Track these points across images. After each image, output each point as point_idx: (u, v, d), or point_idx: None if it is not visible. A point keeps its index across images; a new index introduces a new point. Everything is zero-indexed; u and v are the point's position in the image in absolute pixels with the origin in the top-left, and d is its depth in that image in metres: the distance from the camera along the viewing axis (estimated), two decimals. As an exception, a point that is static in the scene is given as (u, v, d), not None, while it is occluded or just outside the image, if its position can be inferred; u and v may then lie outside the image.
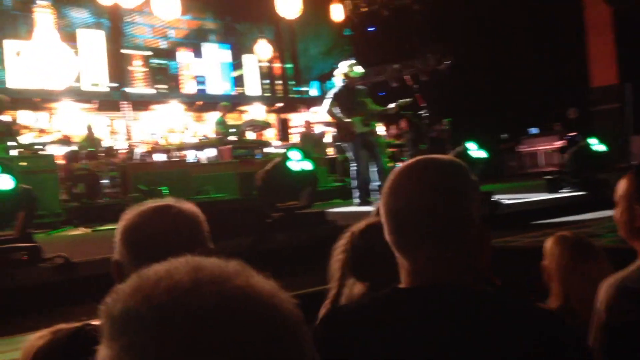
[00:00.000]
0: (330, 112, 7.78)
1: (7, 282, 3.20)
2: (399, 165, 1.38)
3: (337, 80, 8.32)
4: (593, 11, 12.72)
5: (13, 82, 11.19)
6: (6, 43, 11.40)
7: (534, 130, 13.94)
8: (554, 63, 13.26)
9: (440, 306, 1.10)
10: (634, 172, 1.76)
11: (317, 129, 13.56)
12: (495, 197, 6.36)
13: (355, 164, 7.74)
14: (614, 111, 12.19)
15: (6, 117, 8.27)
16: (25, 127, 10.95)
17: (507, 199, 6.54)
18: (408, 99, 8.31)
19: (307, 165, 5.22)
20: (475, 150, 6.32)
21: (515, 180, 12.18)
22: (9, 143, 7.84)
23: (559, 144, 12.67)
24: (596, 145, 7.35)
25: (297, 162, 5.17)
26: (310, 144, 12.00)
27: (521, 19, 13.79)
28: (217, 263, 0.61)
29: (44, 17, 10.12)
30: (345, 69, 7.90)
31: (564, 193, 6.92)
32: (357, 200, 7.74)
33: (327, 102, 7.83)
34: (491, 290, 1.20)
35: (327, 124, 14.06)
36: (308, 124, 13.09)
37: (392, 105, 8.03)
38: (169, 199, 1.56)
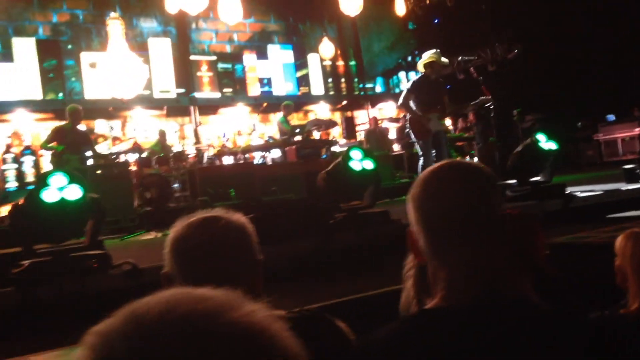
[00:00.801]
0: (406, 104, 7.41)
1: (78, 289, 3.34)
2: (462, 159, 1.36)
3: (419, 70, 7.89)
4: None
5: (89, 93, 11.72)
6: (83, 55, 11.97)
7: (611, 117, 13.29)
8: (630, 46, 12.59)
9: (482, 327, 1.02)
10: None
11: (383, 125, 13.45)
12: (570, 190, 6.11)
13: (423, 161, 7.51)
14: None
15: (82, 127, 8.67)
16: (101, 136, 11.50)
17: (582, 191, 6.26)
18: (483, 98, 8.02)
19: (369, 165, 5.17)
20: (545, 142, 6.06)
21: (592, 170, 11.65)
22: (88, 153, 8.21)
23: (638, 130, 12.02)
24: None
25: (359, 162, 5.12)
26: (376, 141, 11.93)
27: (593, 3, 13.18)
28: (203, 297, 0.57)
29: (115, 28, 10.50)
30: (432, 57, 7.47)
31: (644, 183, 6.55)
32: None
33: (404, 94, 7.47)
34: (539, 305, 1.11)
35: (392, 119, 13.95)
36: (374, 121, 13.00)
37: (469, 104, 7.82)
38: (219, 209, 1.56)
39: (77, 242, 3.81)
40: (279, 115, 11.58)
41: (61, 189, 3.50)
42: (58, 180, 3.51)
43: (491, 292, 1.07)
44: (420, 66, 7.64)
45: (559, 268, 4.17)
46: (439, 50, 7.74)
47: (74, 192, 3.48)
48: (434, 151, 7.46)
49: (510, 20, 13.87)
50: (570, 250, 3.82)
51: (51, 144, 7.70)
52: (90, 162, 8.20)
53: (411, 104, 7.37)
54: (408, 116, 7.65)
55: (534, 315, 1.05)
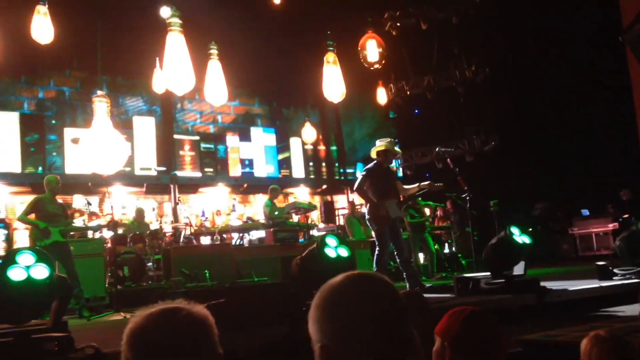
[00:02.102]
0: (361, 189, 7.32)
1: (36, 374, 3.21)
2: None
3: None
4: (642, 92, 12.55)
5: (70, 167, 11.74)
6: (66, 131, 12.07)
7: (585, 212, 13.53)
8: (605, 144, 13.02)
9: None
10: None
11: (362, 210, 13.52)
12: (544, 284, 6.12)
13: (379, 250, 7.19)
14: (669, 192, 11.76)
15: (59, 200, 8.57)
16: (78, 211, 11.38)
17: (556, 286, 6.28)
18: (429, 182, 7.95)
19: (344, 252, 5.17)
20: (518, 236, 6.14)
21: (567, 264, 11.73)
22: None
23: (612, 226, 12.23)
24: (649, 229, 7.05)
25: (334, 249, 5.12)
26: (355, 226, 11.96)
27: (571, 100, 13.73)
28: None
29: (100, 106, 10.64)
30: (384, 145, 7.54)
31: (616, 281, 6.59)
32: None
33: (359, 180, 7.41)
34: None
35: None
36: (352, 205, 13.09)
37: (414, 185, 7.75)
38: (180, 300, 1.54)
39: (40, 323, 3.70)
40: (260, 197, 11.62)
41: (28, 268, 3.43)
42: (26, 258, 3.45)
43: None
44: (373, 153, 7.69)
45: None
46: (392, 139, 7.95)
47: (41, 271, 3.41)
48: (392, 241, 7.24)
49: (487, 113, 14.35)
50: (542, 348, 3.79)
51: (30, 216, 7.55)
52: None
53: (366, 189, 7.28)
54: (367, 204, 7.46)
55: None
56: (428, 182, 7.78)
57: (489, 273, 6.41)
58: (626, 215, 11.53)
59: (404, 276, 7.26)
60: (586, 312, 5.73)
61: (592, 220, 13.08)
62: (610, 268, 6.87)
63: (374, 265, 7.28)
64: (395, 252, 7.27)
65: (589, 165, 13.08)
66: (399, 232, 7.40)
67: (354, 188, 7.52)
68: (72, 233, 8.38)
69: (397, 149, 7.83)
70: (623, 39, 10.42)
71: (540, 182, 13.38)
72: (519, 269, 6.27)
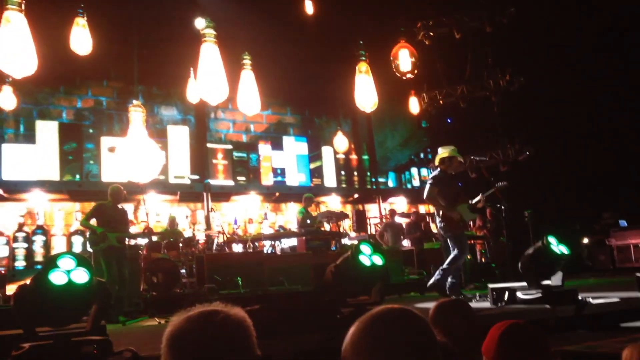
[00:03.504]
0: (432, 197, 7.27)
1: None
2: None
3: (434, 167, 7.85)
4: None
5: (106, 175, 11.96)
6: (103, 140, 12.32)
7: (623, 223, 13.23)
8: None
9: None
10: None
11: (398, 220, 13.48)
12: (582, 296, 5.99)
13: (457, 253, 7.15)
14: None
15: (121, 207, 8.71)
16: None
17: (594, 298, 6.14)
18: (499, 184, 7.95)
19: (378, 260, 5.15)
20: (556, 245, 6.02)
21: (605, 275, 11.46)
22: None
23: (651, 237, 11.95)
24: (691, 240, 6.85)
25: (368, 257, 5.10)
26: (393, 235, 11.95)
27: (606, 109, 13.49)
28: None
29: (136, 115, 10.83)
30: (448, 152, 7.52)
31: (658, 292, 6.41)
32: (432, 281, 7.28)
33: (429, 188, 7.35)
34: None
35: (403, 214, 13.99)
36: (392, 213, 13.08)
37: (478, 198, 7.75)
38: (217, 303, 1.55)
39: (79, 327, 3.76)
40: (292, 206, 11.65)
41: (69, 272, 3.50)
42: (67, 262, 3.52)
43: None
44: (437, 161, 7.63)
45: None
46: (455, 148, 7.79)
47: (82, 276, 3.48)
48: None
49: (521, 122, 14.16)
50: (581, 359, 3.70)
51: (91, 221, 7.87)
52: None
53: (437, 197, 7.25)
54: (440, 211, 7.37)
55: None
56: (495, 187, 7.75)
57: (524, 283, 6.30)
58: (666, 227, 11.25)
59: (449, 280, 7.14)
60: (626, 324, 5.59)
61: (630, 232, 12.78)
62: (651, 280, 6.68)
63: (447, 264, 7.18)
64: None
65: (627, 175, 12.79)
66: (465, 235, 7.46)
67: (425, 197, 7.45)
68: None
69: (459, 157, 7.71)
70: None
71: (576, 192, 13.13)
72: (556, 280, 6.15)
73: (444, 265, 7.17)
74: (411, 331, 1.29)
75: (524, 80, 14.06)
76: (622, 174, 12.90)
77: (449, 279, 7.15)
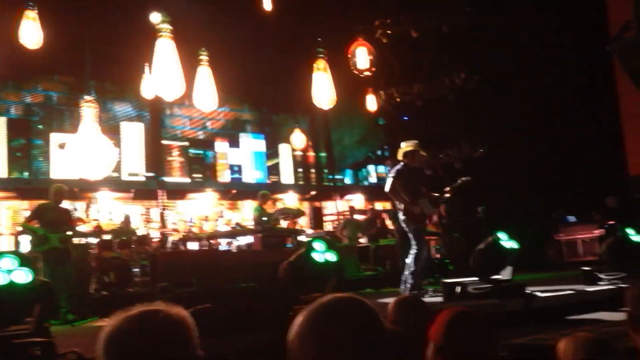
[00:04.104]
0: (394, 190, 7.25)
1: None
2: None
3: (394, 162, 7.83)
4: (628, 99, 12.67)
5: (56, 173, 11.66)
6: (53, 136, 12.00)
7: (571, 218, 13.61)
8: (591, 151, 13.12)
9: None
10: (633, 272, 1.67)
11: (356, 217, 13.55)
12: (530, 289, 6.13)
13: (417, 249, 7.12)
14: (654, 200, 11.85)
15: (64, 206, 8.45)
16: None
17: (542, 291, 6.29)
18: (464, 179, 7.93)
19: (332, 256, 5.16)
20: (506, 241, 6.16)
21: (553, 270, 11.77)
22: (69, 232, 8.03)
23: (597, 232, 12.31)
24: (634, 235, 7.09)
25: (321, 253, 5.11)
26: (352, 231, 12.01)
27: (558, 108, 13.82)
28: None
29: (88, 111, 10.59)
30: (412, 146, 7.51)
31: (602, 286, 6.62)
32: (407, 285, 7.28)
33: (391, 182, 7.31)
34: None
35: (360, 211, 14.08)
36: (352, 210, 13.16)
37: (446, 190, 7.71)
38: (158, 303, 1.52)
39: (22, 328, 3.65)
40: (249, 203, 11.59)
41: (10, 272, 3.40)
42: (7, 262, 3.41)
43: None
44: (399, 155, 7.64)
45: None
46: (418, 142, 7.82)
47: (23, 276, 3.38)
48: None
49: (476, 121, 14.41)
50: (528, 352, 3.79)
51: (31, 223, 7.56)
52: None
53: (399, 190, 7.27)
54: (402, 205, 7.38)
55: None
56: (461, 181, 7.74)
57: (476, 278, 6.42)
58: (612, 222, 11.60)
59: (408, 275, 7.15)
60: (572, 317, 5.75)
61: (578, 227, 13.15)
62: (596, 273, 6.90)
63: (412, 264, 7.12)
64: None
65: (577, 172, 13.15)
66: (426, 229, 7.53)
67: (386, 190, 7.42)
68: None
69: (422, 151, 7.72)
70: (610, 49, 10.54)
71: (527, 189, 13.44)
72: (506, 274, 6.29)
73: (411, 268, 7.14)
74: (357, 319, 1.26)
75: (479, 79, 14.32)
76: (571, 172, 13.26)
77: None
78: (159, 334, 1.40)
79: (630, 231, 7.17)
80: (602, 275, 6.83)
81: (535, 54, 13.70)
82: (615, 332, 3.88)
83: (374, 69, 12.88)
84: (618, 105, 13.03)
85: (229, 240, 10.62)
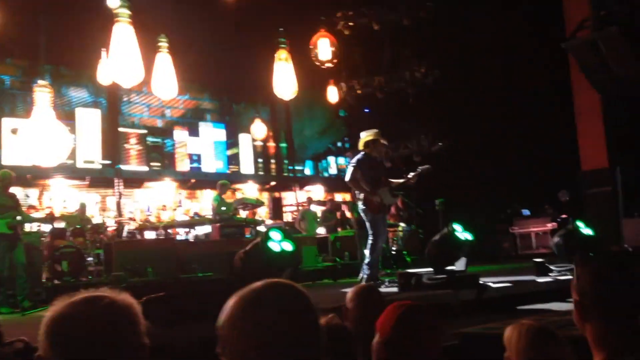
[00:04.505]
0: (354, 180, 7.28)
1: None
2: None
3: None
4: (582, 97, 13.00)
5: (7, 159, 11.32)
6: (4, 121, 11.64)
7: (526, 212, 13.95)
8: (546, 147, 13.43)
9: None
10: (579, 261, 1.72)
11: (314, 208, 13.59)
12: (483, 280, 6.26)
13: (373, 239, 7.18)
14: (605, 194, 12.21)
15: (12, 192, 8.21)
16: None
17: (494, 282, 6.43)
18: (423, 167, 7.94)
19: (288, 246, 5.16)
20: (460, 232, 6.27)
21: (508, 262, 12.05)
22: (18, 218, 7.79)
23: (550, 226, 12.65)
24: (584, 228, 7.31)
25: (278, 243, 5.11)
26: (310, 222, 12.03)
27: (513, 104, 14.09)
28: None
29: (42, 96, 10.30)
30: (372, 135, 7.51)
31: (552, 277, 6.81)
32: (364, 276, 7.21)
33: (351, 171, 7.34)
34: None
35: (320, 202, 14.12)
36: (310, 201, 13.17)
37: (411, 175, 7.71)
38: (104, 289, 1.49)
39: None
40: (208, 193, 11.49)
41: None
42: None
43: None
44: (360, 145, 7.66)
45: (469, 358, 4.17)
46: (378, 131, 7.83)
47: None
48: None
49: (436, 114, 14.58)
50: (478, 341, 3.87)
51: None
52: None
53: (359, 180, 7.28)
54: (361, 194, 7.40)
55: None
56: (420, 169, 7.76)
57: (431, 269, 6.52)
58: (564, 215, 11.94)
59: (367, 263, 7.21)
60: (523, 307, 5.90)
61: (532, 220, 13.50)
62: (547, 265, 7.09)
63: (368, 255, 7.19)
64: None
65: (531, 167, 13.45)
66: (385, 220, 7.55)
67: (347, 179, 7.43)
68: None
69: (383, 140, 7.71)
70: (566, 46, 10.78)
71: (484, 182, 13.69)
72: (460, 265, 6.40)
73: (367, 259, 7.21)
74: (287, 305, 1.26)
75: (439, 73, 14.48)
76: (527, 166, 13.56)
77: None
78: (103, 320, 1.37)
79: (580, 224, 7.38)
80: (552, 267, 7.02)
81: (495, 50, 13.92)
82: (563, 321, 4.00)
83: (335, 61, 12.90)
84: (573, 101, 13.36)
85: (187, 229, 10.52)
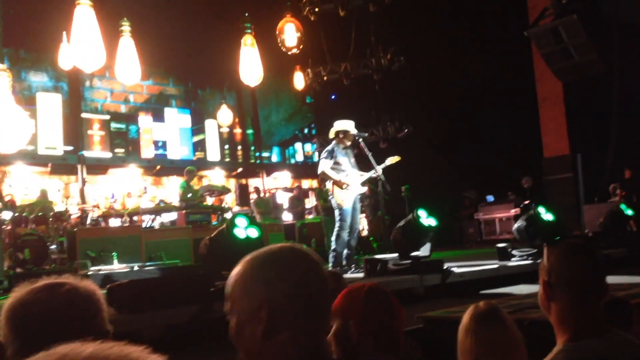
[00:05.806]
0: (325, 171, 7.34)
1: None
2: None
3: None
4: (545, 84, 13.25)
5: (-35, 144, 11.01)
6: (-39, 105, 11.29)
7: (490, 198, 14.20)
8: (509, 133, 13.66)
9: None
10: (548, 247, 1.77)
11: (278, 195, 13.56)
12: (447, 265, 6.36)
13: (339, 227, 7.29)
14: (566, 181, 12.51)
15: None
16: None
17: (459, 267, 6.55)
18: (391, 159, 8.00)
19: (254, 232, 5.16)
20: (425, 218, 6.35)
21: (472, 247, 12.27)
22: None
23: (514, 212, 12.91)
24: (544, 214, 7.48)
25: (244, 229, 5.10)
26: (265, 209, 12.00)
27: (477, 91, 14.27)
28: None
29: (1, 80, 10.02)
30: (345, 127, 7.59)
31: (515, 262, 6.96)
32: (328, 264, 7.28)
33: (323, 162, 7.38)
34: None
35: (287, 189, 14.13)
36: (257, 191, 13.18)
37: (379, 167, 7.75)
38: (67, 276, 1.47)
39: None
40: (174, 179, 11.37)
41: None
42: None
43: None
44: (331, 134, 7.68)
45: (433, 340, 4.25)
46: (353, 122, 7.88)
47: None
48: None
49: (402, 101, 14.68)
50: (441, 324, 3.95)
51: None
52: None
53: (330, 170, 7.32)
54: (330, 183, 7.44)
55: None
56: (387, 163, 7.82)
57: (397, 255, 6.59)
58: (527, 202, 12.19)
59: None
60: (486, 291, 6.03)
61: (496, 206, 13.75)
62: (510, 250, 7.24)
63: (333, 242, 7.32)
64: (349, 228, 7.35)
65: (495, 153, 13.66)
66: (358, 209, 7.60)
67: (319, 171, 7.47)
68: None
69: (354, 130, 7.72)
70: (528, 34, 10.95)
71: (449, 168, 13.87)
72: (425, 251, 6.49)
73: (332, 247, 7.32)
74: (299, 268, 1.26)
75: (405, 60, 14.55)
76: (491, 152, 13.78)
77: (345, 251, 7.33)
78: (64, 306, 1.36)
79: (541, 210, 7.55)
80: (515, 252, 7.17)
81: (459, 37, 14.05)
82: (522, 304, 4.11)
83: (301, 47, 12.83)
84: (535, 88, 13.60)
85: (153, 216, 10.40)
